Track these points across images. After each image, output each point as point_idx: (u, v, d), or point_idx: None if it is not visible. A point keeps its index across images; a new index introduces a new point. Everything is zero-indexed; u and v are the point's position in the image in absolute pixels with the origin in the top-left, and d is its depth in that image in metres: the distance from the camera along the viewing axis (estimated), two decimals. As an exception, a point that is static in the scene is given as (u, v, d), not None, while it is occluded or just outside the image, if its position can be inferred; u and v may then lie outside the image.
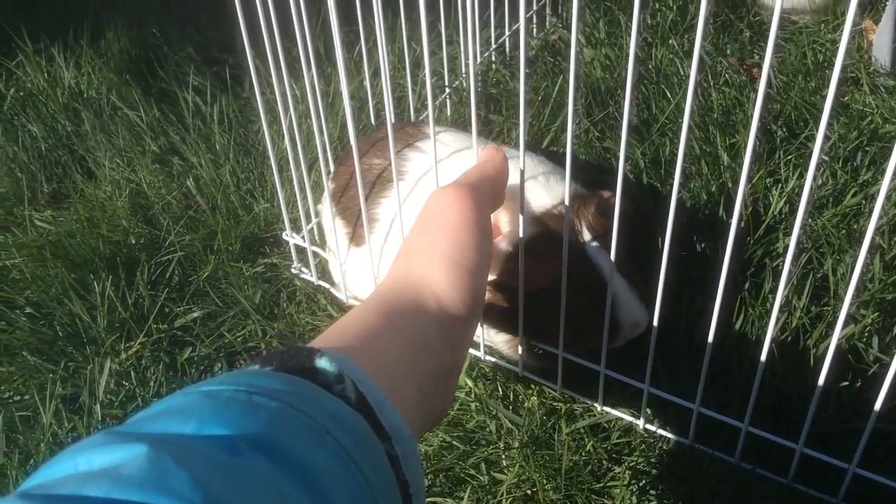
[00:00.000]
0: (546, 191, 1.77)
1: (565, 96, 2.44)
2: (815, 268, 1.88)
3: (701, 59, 2.39)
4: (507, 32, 2.81)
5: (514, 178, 1.66)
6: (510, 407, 1.79)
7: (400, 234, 1.72)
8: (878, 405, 1.27)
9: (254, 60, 1.57)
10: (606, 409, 1.71)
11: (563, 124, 2.35)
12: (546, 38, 2.81)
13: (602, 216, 1.71)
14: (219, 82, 2.71)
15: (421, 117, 2.39)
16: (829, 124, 2.37)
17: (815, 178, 1.12)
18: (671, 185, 2.10)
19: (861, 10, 2.75)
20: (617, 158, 2.26)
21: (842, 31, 2.68)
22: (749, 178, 1.50)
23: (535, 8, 2.91)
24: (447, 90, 2.56)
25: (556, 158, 2.15)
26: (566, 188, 1.47)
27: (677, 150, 2.22)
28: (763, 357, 1.36)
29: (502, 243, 1.73)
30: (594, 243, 1.68)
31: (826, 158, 2.18)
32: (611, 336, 1.68)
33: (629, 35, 2.66)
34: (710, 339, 1.41)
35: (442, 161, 1.83)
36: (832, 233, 1.95)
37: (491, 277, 1.72)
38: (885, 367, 1.61)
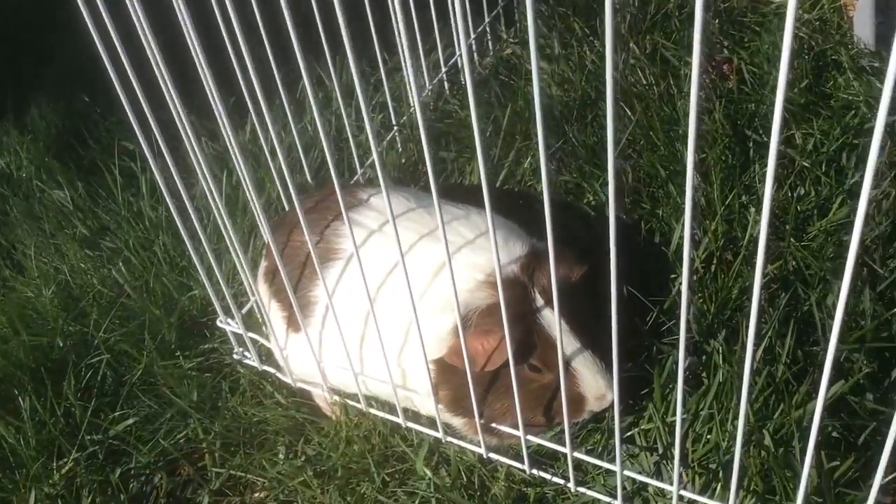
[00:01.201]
0: (504, 251, 1.59)
1: (525, 124, 2.24)
2: (801, 300, 1.68)
3: (669, 63, 2.18)
4: (458, 51, 2.61)
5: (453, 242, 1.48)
6: (475, 495, 1.61)
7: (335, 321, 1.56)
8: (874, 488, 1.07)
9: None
10: (581, 489, 1.53)
11: (519, 156, 2.16)
12: (499, 55, 2.61)
13: (559, 279, 1.53)
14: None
15: (361, 171, 2.20)
16: (810, 119, 2.15)
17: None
18: (637, 216, 1.91)
19: (839, -19, 2.51)
20: (575, 193, 2.06)
21: (822, 8, 2.45)
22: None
23: (486, 20, 2.71)
24: (394, 128, 2.37)
25: (512, 202, 1.95)
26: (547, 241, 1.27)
27: (641, 174, 2.02)
28: (739, 434, 1.18)
29: (446, 316, 1.55)
30: (549, 311, 1.50)
31: (806, 164, 1.96)
32: (575, 411, 1.50)
33: (586, 44, 2.45)
34: (679, 415, 1.23)
35: (378, 239, 1.65)
36: (816, 256, 1.74)
37: (436, 356, 1.55)
38: (883, 421, 1.41)
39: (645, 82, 2.27)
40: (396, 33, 2.28)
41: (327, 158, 1.26)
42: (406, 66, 2.31)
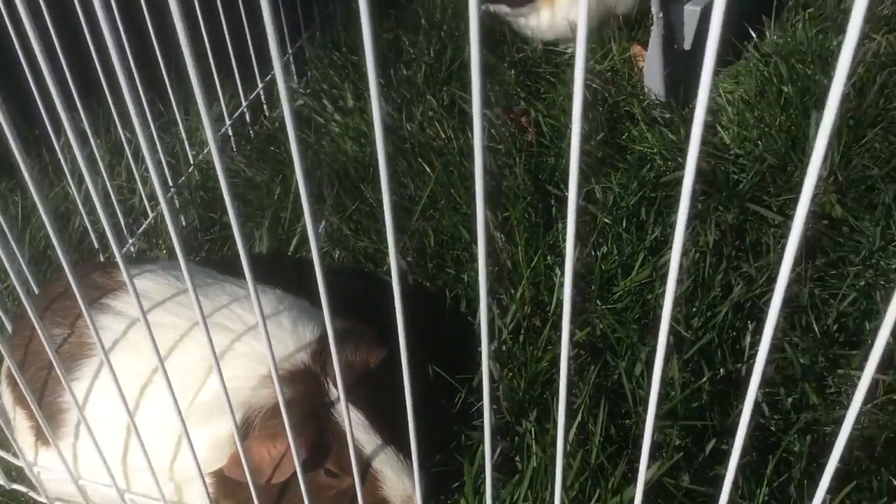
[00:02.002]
0: (293, 338, 1.39)
1: (318, 184, 2.05)
2: (611, 368, 1.60)
3: (467, 116, 2.08)
4: (244, 102, 2.40)
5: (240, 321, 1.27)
6: None
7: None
8: None
9: None
10: None
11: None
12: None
13: (353, 366, 1.36)
14: None
15: (131, 242, 1.93)
16: (608, 173, 2.12)
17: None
18: (442, 283, 1.77)
19: (628, 30, 2.54)
20: (375, 260, 1.90)
21: (612, 59, 2.45)
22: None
23: (273, 70, 2.51)
24: (171, 190, 2.12)
25: (304, 274, 1.75)
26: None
27: (444, 236, 1.90)
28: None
29: (225, 419, 1.34)
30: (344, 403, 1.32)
31: (608, 221, 1.91)
32: (381, 517, 1.33)
33: (383, 96, 2.31)
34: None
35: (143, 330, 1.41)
36: (622, 321, 1.67)
37: (215, 467, 1.33)
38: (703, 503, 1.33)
39: (444, 136, 2.16)
40: (168, 85, 2.05)
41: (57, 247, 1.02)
42: (201, 107, 2.07)
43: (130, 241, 1.96)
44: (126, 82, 0.85)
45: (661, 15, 2.16)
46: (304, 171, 0.79)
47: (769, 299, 1.67)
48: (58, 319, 1.47)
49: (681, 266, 1.67)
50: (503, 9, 2.49)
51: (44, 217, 1.22)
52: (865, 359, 1.57)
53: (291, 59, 2.55)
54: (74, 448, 1.41)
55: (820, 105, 2.03)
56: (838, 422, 1.46)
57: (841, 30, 2.37)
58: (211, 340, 1.09)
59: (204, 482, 1.27)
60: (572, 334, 0.86)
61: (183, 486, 1.39)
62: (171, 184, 2.12)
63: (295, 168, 0.69)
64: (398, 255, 0.81)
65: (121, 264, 1.03)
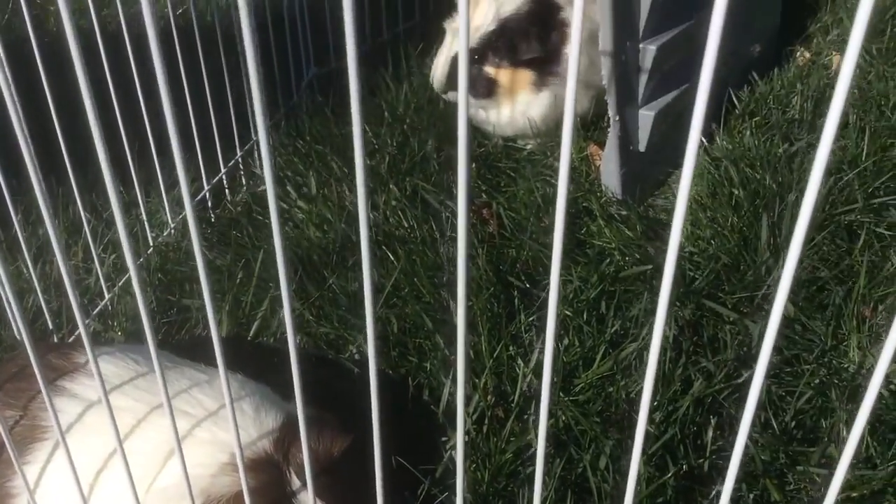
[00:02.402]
0: (255, 424, 1.36)
1: (275, 267, 2.05)
2: (575, 460, 1.59)
3: (430, 206, 2.12)
4: (206, 186, 2.40)
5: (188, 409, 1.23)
6: None
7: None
8: None
9: None
10: None
11: (273, 304, 1.95)
12: (252, 192, 2.43)
13: (317, 454, 1.33)
14: None
15: (87, 321, 1.88)
16: (568, 266, 2.16)
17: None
18: (405, 370, 1.76)
19: (584, 131, 2.63)
20: (336, 346, 1.89)
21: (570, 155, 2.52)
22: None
23: (239, 154, 2.53)
24: (131, 266, 2.08)
25: (265, 360, 1.72)
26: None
27: (407, 324, 1.89)
28: None
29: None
30: (307, 495, 1.28)
31: (569, 313, 1.93)
32: None
33: (345, 184, 2.34)
34: None
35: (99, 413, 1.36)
36: (585, 413, 1.68)
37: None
38: None
39: (406, 225, 2.19)
40: (130, 163, 2.04)
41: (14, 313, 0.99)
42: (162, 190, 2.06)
43: (85, 321, 1.91)
44: (105, 156, 0.85)
45: (617, 118, 2.25)
46: (283, 245, 0.79)
47: (728, 395, 1.70)
48: (10, 401, 1.42)
49: (640, 358, 1.69)
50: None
51: (6, 292, 1.19)
52: (824, 456, 1.60)
53: (255, 145, 2.57)
54: (20, 540, 1.34)
55: (770, 208, 2.12)
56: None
57: (786, 138, 2.50)
58: (175, 425, 1.07)
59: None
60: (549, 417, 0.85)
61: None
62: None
63: (277, 248, 0.70)
64: (373, 335, 0.82)
65: (86, 342, 1.01)
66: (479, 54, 2.49)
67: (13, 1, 3.49)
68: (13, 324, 1.84)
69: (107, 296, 2.01)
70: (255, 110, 0.69)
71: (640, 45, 2.26)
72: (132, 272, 0.96)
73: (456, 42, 2.52)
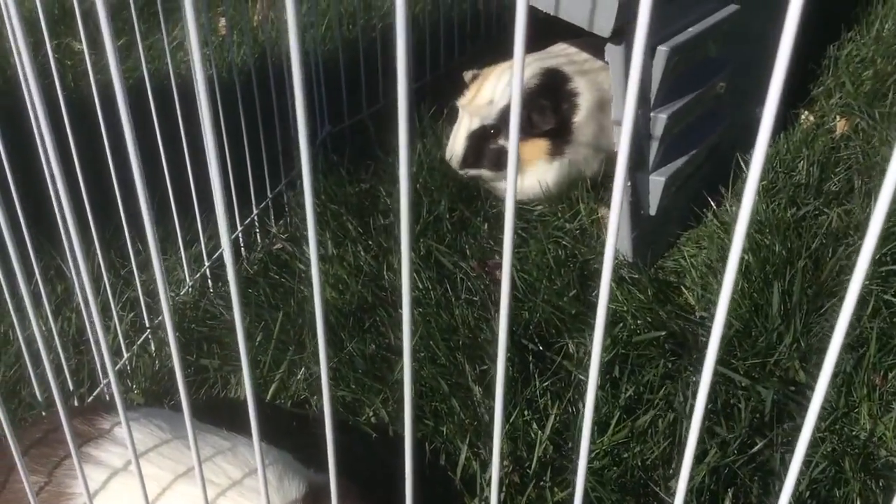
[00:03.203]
0: (279, 495, 1.38)
1: (298, 330, 2.07)
2: (593, 529, 1.60)
3: (444, 268, 2.15)
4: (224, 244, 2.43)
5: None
6: None
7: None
8: None
9: None
10: None
11: (292, 367, 1.98)
12: (268, 250, 2.46)
13: None
14: None
15: (105, 382, 1.91)
16: (582, 329, 2.19)
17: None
18: (422, 434, 1.77)
19: (595, 194, 2.68)
20: (353, 409, 1.90)
21: (581, 219, 2.57)
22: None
23: (255, 212, 2.57)
24: (147, 330, 2.11)
25: (284, 423, 1.74)
26: None
27: (424, 387, 1.91)
28: None
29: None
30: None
31: (583, 377, 1.96)
32: None
33: (360, 244, 2.37)
34: None
35: (123, 482, 1.38)
36: (601, 480, 1.69)
37: None
38: None
39: (421, 286, 2.22)
40: (147, 223, 2.07)
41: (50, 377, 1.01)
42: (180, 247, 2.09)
43: (104, 380, 1.93)
44: (148, 214, 0.89)
45: (628, 183, 2.29)
46: (321, 289, 0.82)
47: (741, 464, 1.72)
48: (35, 467, 1.43)
49: (655, 427, 1.70)
50: (485, 173, 2.62)
51: (40, 346, 1.22)
52: (839, 527, 1.61)
53: (270, 203, 2.61)
54: None
55: (780, 275, 2.15)
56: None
57: (793, 202, 2.55)
58: (206, 497, 1.08)
59: None
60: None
61: None
62: (147, 324, 2.11)
63: (313, 307, 0.72)
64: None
65: (119, 402, 1.03)
66: (497, 130, 2.57)
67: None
68: (34, 384, 1.86)
69: (125, 354, 2.03)
70: (300, 147, 0.72)
71: (651, 114, 2.31)
72: (167, 318, 0.98)
73: (471, 119, 2.58)
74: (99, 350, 1.93)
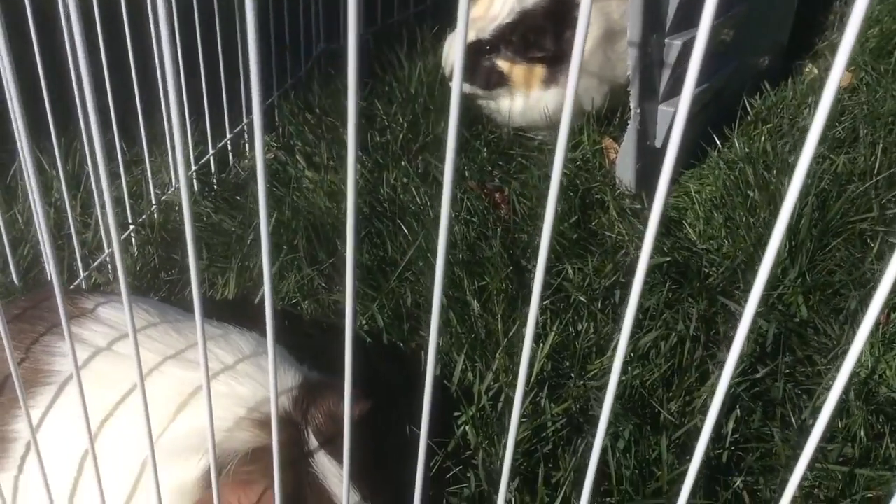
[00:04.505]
0: (262, 382, 1.30)
1: (288, 232, 1.99)
2: (590, 444, 1.55)
3: (439, 185, 2.06)
4: (210, 150, 2.33)
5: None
6: None
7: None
8: None
9: None
10: None
11: (283, 270, 1.90)
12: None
13: (336, 417, 1.27)
14: None
15: (85, 275, 1.82)
16: (581, 255, 2.13)
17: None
18: (416, 344, 1.71)
19: (598, 125, 2.60)
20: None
21: (583, 149, 2.50)
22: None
23: (245, 121, 2.47)
24: (130, 227, 2.01)
25: (276, 323, 1.66)
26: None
27: (421, 298, 1.85)
28: None
29: (192, 462, 1.23)
30: (324, 455, 1.23)
31: (583, 299, 1.90)
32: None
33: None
34: None
35: (105, 361, 1.30)
36: (598, 398, 1.64)
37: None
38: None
39: (419, 202, 2.14)
40: (140, 120, 1.98)
41: (46, 253, 0.92)
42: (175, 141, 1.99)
43: (83, 273, 1.84)
44: (95, 115, 0.80)
45: (638, 110, 2.22)
46: (267, 215, 0.74)
47: (746, 388, 1.68)
48: (12, 343, 1.35)
49: (657, 349, 1.66)
50: (476, 91, 2.52)
51: (40, 225, 1.13)
52: (841, 455, 1.58)
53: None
54: (16, 482, 1.27)
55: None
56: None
57: (798, 146, 2.50)
58: (207, 366, 1.00)
59: (165, 528, 1.15)
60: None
61: (137, 535, 1.25)
62: (130, 221, 2.01)
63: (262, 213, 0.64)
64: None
65: (121, 277, 0.94)
66: (492, 46, 2.46)
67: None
68: (12, 268, 1.76)
69: (107, 249, 1.94)
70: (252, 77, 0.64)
71: (666, 40, 2.24)
72: (183, 193, 0.90)
73: (472, 30, 2.47)
74: (80, 245, 1.84)
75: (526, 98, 2.52)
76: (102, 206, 1.97)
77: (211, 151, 2.32)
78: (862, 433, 1.61)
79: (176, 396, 1.27)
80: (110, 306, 1.40)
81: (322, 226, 1.98)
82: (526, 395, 1.64)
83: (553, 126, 2.56)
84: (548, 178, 2.29)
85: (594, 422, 1.61)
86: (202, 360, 0.96)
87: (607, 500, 1.45)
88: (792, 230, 2.08)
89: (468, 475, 1.47)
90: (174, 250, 1.97)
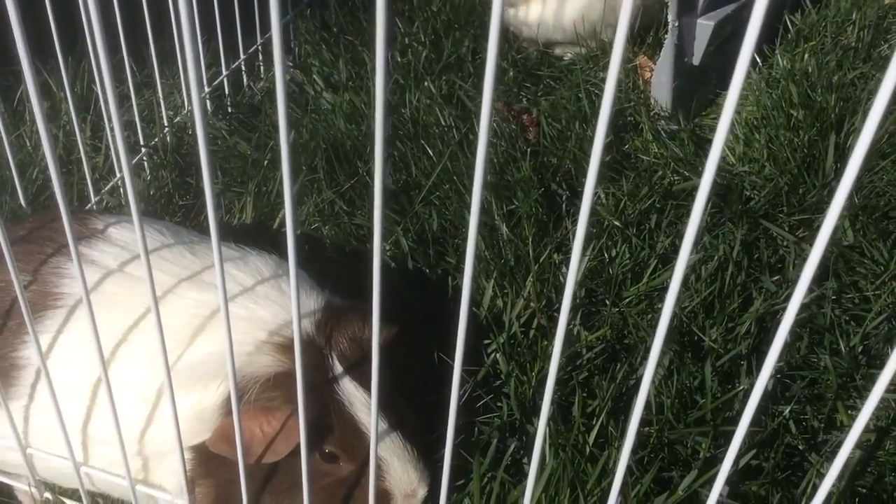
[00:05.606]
0: (284, 305, 1.23)
1: (309, 157, 1.89)
2: (627, 372, 1.47)
3: (467, 107, 1.97)
4: (224, 71, 2.23)
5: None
6: None
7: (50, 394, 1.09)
8: None
9: None
10: None
11: (301, 193, 1.81)
12: (274, 80, 2.26)
13: (360, 342, 1.20)
14: None
15: (96, 199, 1.74)
16: (615, 179, 2.03)
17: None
18: (442, 270, 1.63)
19: (631, 43, 2.47)
20: (371, 239, 1.75)
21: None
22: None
23: (259, 42, 2.36)
24: (142, 150, 1.92)
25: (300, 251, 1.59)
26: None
27: (446, 223, 1.76)
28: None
29: (210, 388, 1.16)
30: (350, 381, 1.16)
31: (618, 224, 1.80)
32: (382, 512, 1.17)
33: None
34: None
35: (117, 282, 1.22)
36: (638, 323, 1.56)
37: (195, 441, 1.15)
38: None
39: (444, 123, 2.03)
40: (150, 41, 1.88)
41: (52, 174, 0.83)
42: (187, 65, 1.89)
43: (94, 198, 1.76)
44: (101, 35, 0.70)
45: (676, 23, 2.09)
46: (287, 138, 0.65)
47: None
48: (19, 265, 1.28)
49: (698, 275, 1.57)
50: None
51: (47, 148, 1.04)
52: (892, 382, 1.49)
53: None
54: (27, 411, 1.21)
55: (836, 128, 1.98)
56: (863, 447, 1.37)
57: (840, 66, 2.36)
58: (224, 288, 0.91)
59: (182, 458, 1.09)
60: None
61: (152, 463, 1.20)
62: (142, 144, 1.92)
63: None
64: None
65: (131, 197, 0.86)
66: None
67: None
68: (19, 191, 1.68)
69: (118, 174, 1.86)
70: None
71: (706, -51, 2.10)
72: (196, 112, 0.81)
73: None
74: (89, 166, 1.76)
75: (543, 4, 2.38)
76: (112, 129, 1.89)
77: (225, 73, 2.22)
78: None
79: (193, 319, 1.19)
80: (122, 226, 1.33)
81: (342, 147, 1.88)
82: (556, 323, 1.56)
83: (581, 40, 2.43)
84: (578, 99, 2.18)
85: (631, 349, 1.53)
86: (219, 281, 0.87)
87: (645, 429, 1.38)
88: (840, 147, 1.96)
89: (499, 404, 1.40)
90: (188, 174, 1.88)
